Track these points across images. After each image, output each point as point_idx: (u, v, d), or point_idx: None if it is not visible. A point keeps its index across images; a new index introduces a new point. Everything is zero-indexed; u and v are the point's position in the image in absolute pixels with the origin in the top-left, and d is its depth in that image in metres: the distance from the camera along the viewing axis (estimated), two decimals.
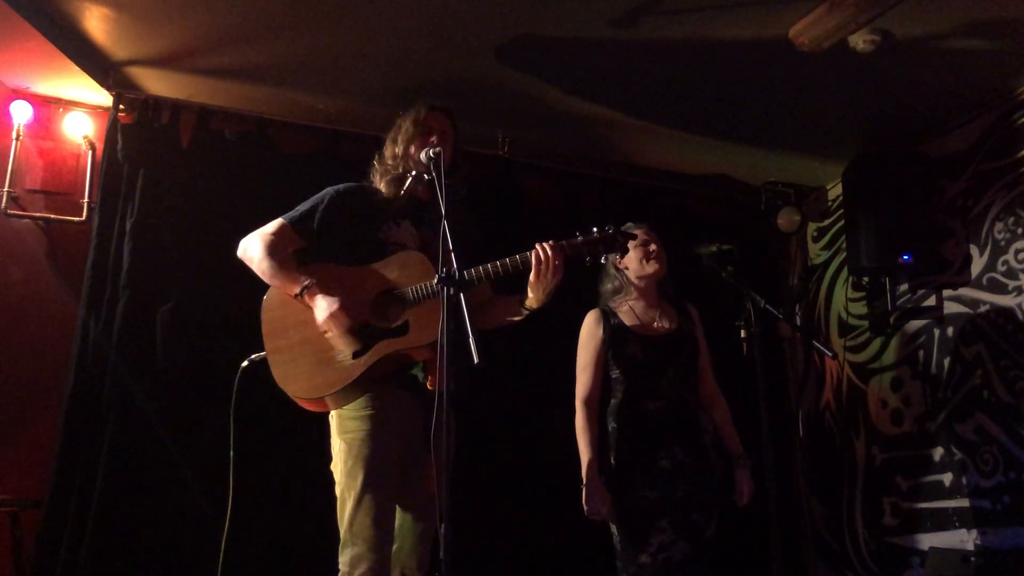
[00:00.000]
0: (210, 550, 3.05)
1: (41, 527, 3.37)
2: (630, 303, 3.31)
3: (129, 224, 3.70)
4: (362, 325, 2.53)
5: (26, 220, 3.80)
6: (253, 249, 2.62)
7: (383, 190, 2.73)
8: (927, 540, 4.10)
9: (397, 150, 2.75)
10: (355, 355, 2.50)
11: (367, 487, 2.47)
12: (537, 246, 2.53)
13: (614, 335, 3.25)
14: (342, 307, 2.49)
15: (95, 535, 3.35)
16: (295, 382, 2.54)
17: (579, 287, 3.28)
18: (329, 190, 2.74)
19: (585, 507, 3.06)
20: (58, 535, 3.36)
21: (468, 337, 2.06)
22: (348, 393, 2.53)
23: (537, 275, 2.52)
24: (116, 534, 3.39)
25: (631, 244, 3.27)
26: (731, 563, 4.03)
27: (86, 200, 3.87)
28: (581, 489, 3.09)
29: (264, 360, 2.60)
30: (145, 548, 3.43)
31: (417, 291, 2.52)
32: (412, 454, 2.57)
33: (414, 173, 2.69)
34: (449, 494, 2.03)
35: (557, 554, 4.04)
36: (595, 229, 2.57)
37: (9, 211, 3.75)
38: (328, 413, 2.64)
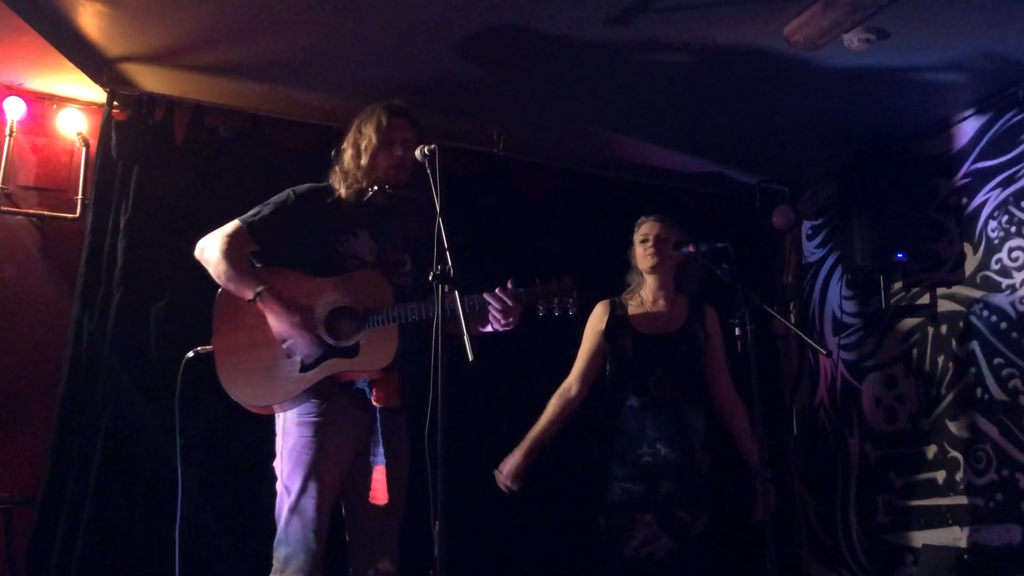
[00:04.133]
0: (205, 546, 3.05)
1: (34, 524, 3.37)
2: (639, 297, 3.39)
3: (123, 221, 3.69)
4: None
5: (19, 217, 3.78)
6: (210, 251, 2.62)
7: (343, 197, 2.70)
8: (920, 537, 4.11)
9: (363, 161, 2.69)
10: (303, 369, 2.51)
11: (304, 492, 2.50)
12: (488, 296, 2.51)
13: (614, 326, 3.33)
14: (302, 317, 2.51)
15: (89, 532, 3.34)
16: (239, 388, 2.57)
17: None
18: (289, 193, 2.72)
19: (499, 469, 3.25)
20: (51, 532, 3.35)
21: (464, 336, 2.07)
22: (292, 404, 2.55)
23: (494, 319, 2.54)
24: (110, 531, 3.38)
25: (636, 239, 3.38)
26: (725, 560, 4.05)
27: (80, 197, 3.86)
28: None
29: (211, 354, 2.60)
30: (139, 545, 3.41)
31: (373, 315, 2.53)
32: (357, 461, 2.61)
33: (376, 188, 2.68)
34: (442, 493, 2.03)
35: (549, 551, 4.04)
36: (554, 280, 2.54)
37: (2, 207, 3.73)
38: None
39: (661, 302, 3.35)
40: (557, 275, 2.55)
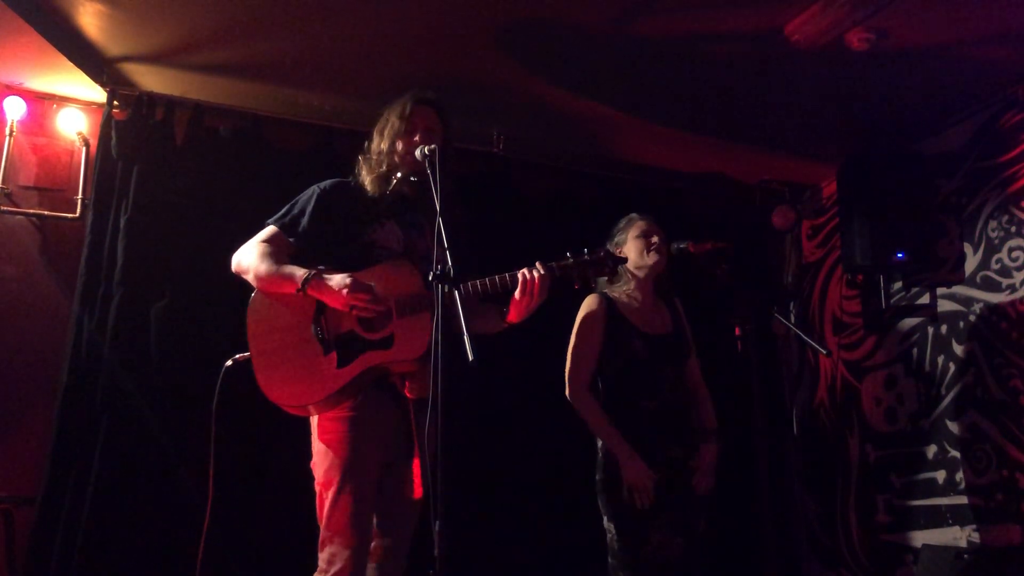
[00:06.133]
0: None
1: (35, 524, 3.37)
2: (628, 295, 3.30)
3: (123, 221, 3.69)
4: (347, 333, 2.52)
5: (20, 216, 3.79)
6: (247, 259, 2.59)
7: (368, 187, 2.69)
8: (920, 537, 4.11)
9: (383, 146, 2.69)
10: (339, 365, 2.49)
11: (344, 487, 2.48)
12: (525, 270, 2.50)
13: (617, 327, 3.22)
14: (354, 279, 2.45)
15: (89, 532, 3.35)
16: (278, 388, 2.53)
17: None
18: (315, 189, 2.70)
19: (631, 484, 3.02)
20: (52, 532, 3.35)
21: (463, 334, 2.05)
22: (330, 402, 2.52)
23: (521, 294, 2.51)
24: (110, 531, 3.38)
25: (632, 235, 3.31)
26: (725, 560, 4.05)
27: (80, 196, 3.86)
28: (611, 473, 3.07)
29: (248, 361, 2.58)
30: (139, 545, 3.42)
31: (404, 303, 2.49)
32: (390, 458, 2.58)
33: (399, 174, 2.66)
34: (443, 492, 2.03)
35: (551, 552, 4.04)
36: (586, 251, 2.54)
37: (2, 207, 3.74)
38: None
39: (649, 301, 3.32)
40: (590, 247, 2.55)
